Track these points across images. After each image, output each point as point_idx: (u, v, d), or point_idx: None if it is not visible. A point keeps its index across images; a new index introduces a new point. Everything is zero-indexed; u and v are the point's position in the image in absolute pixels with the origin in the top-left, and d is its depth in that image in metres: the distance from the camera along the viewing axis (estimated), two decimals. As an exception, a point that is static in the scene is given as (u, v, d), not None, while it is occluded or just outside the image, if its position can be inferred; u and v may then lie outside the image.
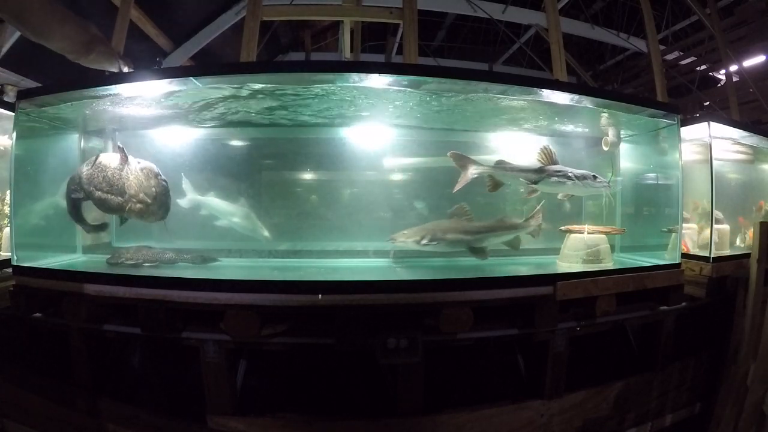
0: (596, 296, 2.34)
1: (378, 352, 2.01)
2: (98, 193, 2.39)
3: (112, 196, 2.37)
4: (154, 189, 2.39)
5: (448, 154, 2.66)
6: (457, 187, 2.60)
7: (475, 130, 3.15)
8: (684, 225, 2.91)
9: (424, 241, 2.52)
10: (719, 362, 2.86)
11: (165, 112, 2.66)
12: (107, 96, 2.39)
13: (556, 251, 2.81)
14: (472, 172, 2.62)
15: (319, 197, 3.15)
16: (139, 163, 2.45)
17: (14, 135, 2.43)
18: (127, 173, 2.39)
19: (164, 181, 2.47)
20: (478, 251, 2.60)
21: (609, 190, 2.69)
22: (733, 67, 6.56)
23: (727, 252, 3.12)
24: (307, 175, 3.23)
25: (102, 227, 2.71)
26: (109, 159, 2.46)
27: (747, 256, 2.79)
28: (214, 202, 2.87)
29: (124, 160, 2.40)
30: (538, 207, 2.78)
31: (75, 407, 2.27)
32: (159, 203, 2.42)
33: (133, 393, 2.33)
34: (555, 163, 2.62)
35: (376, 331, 2.03)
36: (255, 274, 2.53)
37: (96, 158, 2.46)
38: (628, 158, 3.21)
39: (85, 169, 2.45)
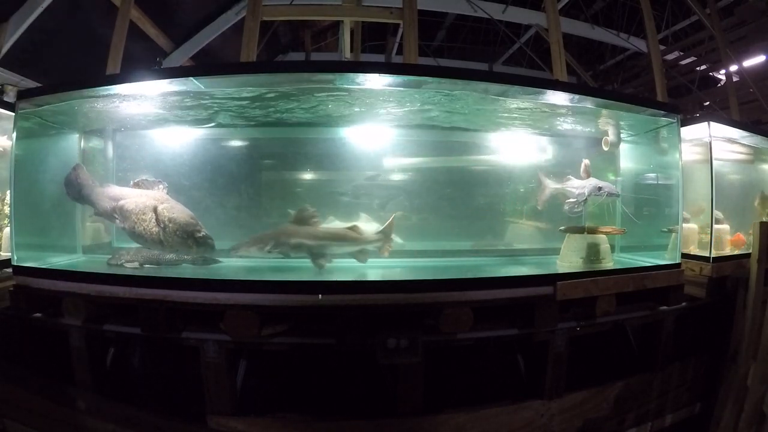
0: (596, 296, 2.34)
1: (378, 352, 2.01)
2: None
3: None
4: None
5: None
6: (540, 203, 2.93)
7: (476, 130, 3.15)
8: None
9: (268, 248, 2.39)
10: (719, 362, 2.85)
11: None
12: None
13: (556, 251, 2.81)
14: (550, 189, 2.88)
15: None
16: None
17: (14, 135, 2.43)
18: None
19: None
20: (317, 258, 2.42)
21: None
22: (733, 67, 6.56)
23: (726, 252, 3.12)
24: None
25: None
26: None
27: (747, 256, 2.79)
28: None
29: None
30: (390, 219, 2.61)
31: (75, 407, 2.26)
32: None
33: (133, 393, 2.33)
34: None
35: (376, 331, 2.03)
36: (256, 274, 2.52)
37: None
38: (629, 158, 3.21)
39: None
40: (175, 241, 2.32)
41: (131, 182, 2.53)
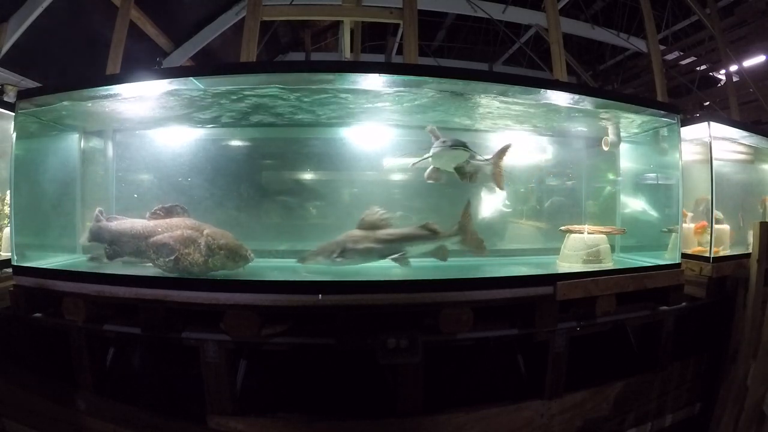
0: (596, 296, 2.34)
1: (378, 352, 2.01)
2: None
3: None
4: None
5: None
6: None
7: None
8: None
9: (335, 256, 2.33)
10: (719, 362, 2.86)
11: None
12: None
13: (556, 251, 2.81)
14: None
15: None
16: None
17: (14, 135, 2.42)
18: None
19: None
20: (398, 260, 2.38)
21: None
22: (733, 67, 6.56)
23: (726, 252, 3.11)
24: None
25: None
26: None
27: (747, 256, 2.79)
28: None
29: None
30: (465, 208, 2.53)
31: (75, 407, 2.26)
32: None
33: (133, 393, 2.33)
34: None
35: (376, 331, 2.03)
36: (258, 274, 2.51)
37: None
38: (629, 158, 3.21)
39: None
40: (226, 264, 2.24)
41: (148, 214, 2.32)
